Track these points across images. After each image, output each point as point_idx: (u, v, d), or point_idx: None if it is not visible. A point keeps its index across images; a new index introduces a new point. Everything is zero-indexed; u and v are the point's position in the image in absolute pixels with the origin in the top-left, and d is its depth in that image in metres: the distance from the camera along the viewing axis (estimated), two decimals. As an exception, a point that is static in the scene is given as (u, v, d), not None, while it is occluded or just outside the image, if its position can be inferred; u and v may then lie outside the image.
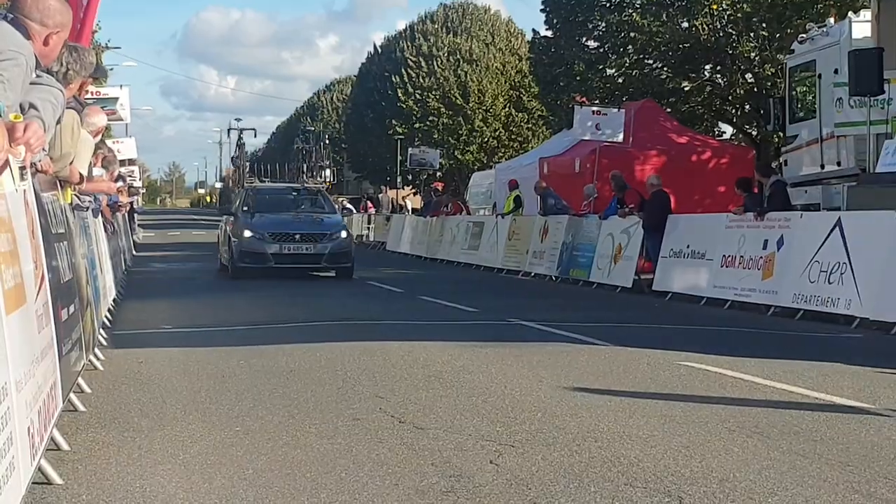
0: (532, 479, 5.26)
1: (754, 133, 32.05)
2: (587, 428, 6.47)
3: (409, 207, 47.21)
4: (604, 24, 31.45)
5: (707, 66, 32.13)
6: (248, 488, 5.09)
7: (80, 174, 7.93)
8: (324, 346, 10.56)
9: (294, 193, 24.26)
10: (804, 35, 19.06)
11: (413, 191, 59.49)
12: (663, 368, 9.08)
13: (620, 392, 7.76)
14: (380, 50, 63.07)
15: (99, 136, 9.88)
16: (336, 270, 21.77)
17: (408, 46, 58.78)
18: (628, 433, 6.31)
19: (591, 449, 5.90)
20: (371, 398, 7.52)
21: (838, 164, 17.72)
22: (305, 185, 26.19)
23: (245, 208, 22.39)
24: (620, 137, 23.06)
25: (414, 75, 57.12)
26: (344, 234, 22.08)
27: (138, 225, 42.57)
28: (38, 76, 5.28)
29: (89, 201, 10.43)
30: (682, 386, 8.16)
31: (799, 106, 19.47)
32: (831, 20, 19.59)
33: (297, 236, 21.31)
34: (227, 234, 22.38)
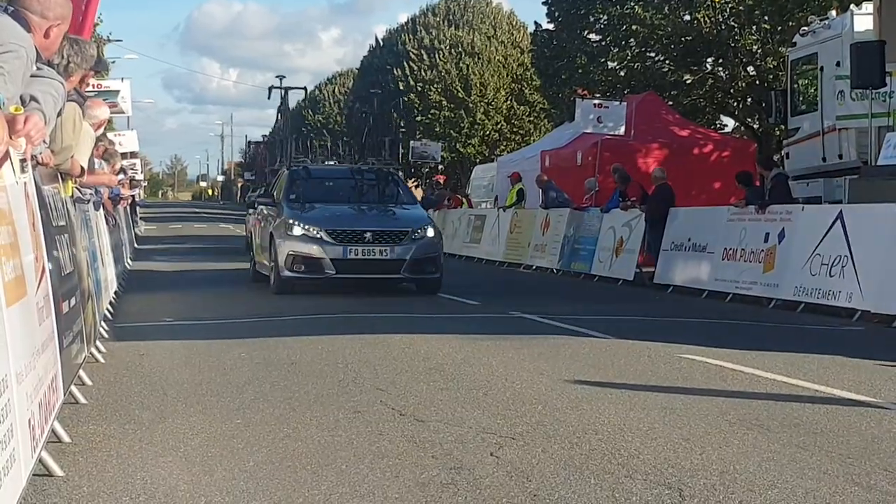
0: (532, 471, 5.27)
1: (756, 126, 32.06)
2: (588, 420, 6.47)
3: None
4: (605, 17, 31.43)
5: (709, 59, 32.11)
6: (248, 480, 5.09)
7: (82, 167, 7.93)
8: (325, 338, 10.57)
9: (357, 177, 18.02)
10: (806, 28, 19.05)
11: (415, 184, 59.53)
12: (664, 361, 9.09)
13: (621, 385, 7.77)
14: (381, 43, 63.01)
15: (101, 129, 9.89)
16: (418, 283, 16.35)
17: (409, 39, 58.70)
18: (629, 425, 6.31)
19: (592, 441, 5.90)
20: (372, 391, 7.53)
21: (840, 156, 17.71)
22: (373, 164, 18.92)
23: (292, 196, 16.91)
24: (622, 130, 23.05)
25: (416, 68, 57.06)
26: (431, 231, 16.34)
27: (140, 218, 42.58)
28: (38, 68, 5.28)
29: (90, 194, 10.44)
30: (682, 378, 8.16)
31: (801, 99, 19.46)
32: (833, 13, 19.55)
33: (368, 235, 15.78)
34: (267, 233, 16.80)
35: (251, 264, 18.61)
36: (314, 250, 15.66)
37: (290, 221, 15.96)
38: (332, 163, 19.50)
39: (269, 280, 16.44)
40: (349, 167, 18.67)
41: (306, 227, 15.82)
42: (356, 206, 16.91)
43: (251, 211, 29.84)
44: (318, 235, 15.70)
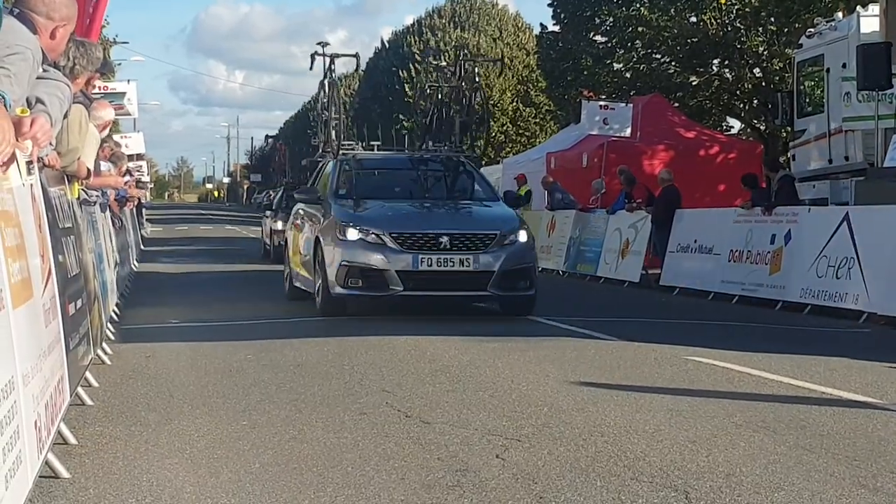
0: (538, 473, 5.26)
1: (762, 128, 31.99)
2: (594, 422, 6.46)
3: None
4: (611, 19, 31.39)
5: (715, 61, 32.07)
6: (254, 482, 5.09)
7: (88, 169, 7.94)
8: (331, 340, 10.57)
9: (421, 167, 14.73)
10: (812, 29, 19.00)
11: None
12: (670, 363, 9.08)
13: (627, 387, 7.76)
14: (387, 45, 63.03)
15: (106, 131, 9.89)
16: (506, 302, 13.00)
17: (415, 41, 58.73)
18: (635, 428, 6.30)
19: (598, 443, 5.90)
20: (378, 392, 7.53)
21: (846, 158, 17.67)
22: (439, 151, 15.26)
23: (341, 191, 13.85)
24: (628, 132, 23.03)
25: (421, 70, 57.04)
26: (524, 235, 12.95)
27: (146, 220, 42.62)
28: (44, 70, 5.29)
29: (97, 196, 10.45)
30: (688, 380, 8.15)
31: (807, 100, 19.41)
32: (839, 14, 19.53)
33: (445, 240, 12.46)
34: (309, 239, 13.78)
35: (286, 278, 15.47)
36: (376, 260, 12.38)
37: (343, 223, 12.68)
38: (376, 144, 16.22)
39: (314, 298, 13.28)
40: (409, 155, 15.43)
41: (364, 229, 12.54)
42: (421, 202, 13.61)
43: (268, 213, 27.88)
44: (381, 241, 12.41)
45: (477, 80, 16.17)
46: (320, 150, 15.92)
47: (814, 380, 8.17)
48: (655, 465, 5.40)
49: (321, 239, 13.04)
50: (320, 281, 12.90)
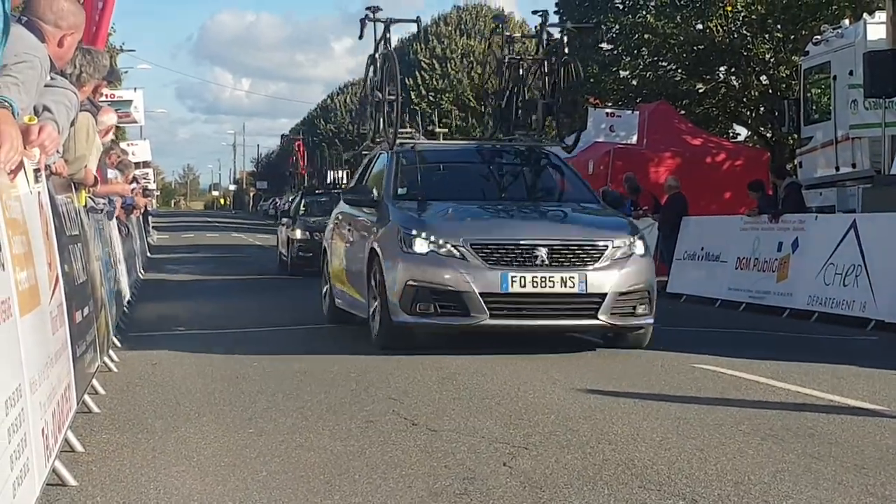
0: (545, 481, 5.25)
1: (769, 135, 31.99)
2: (601, 430, 6.45)
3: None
4: (617, 26, 31.41)
5: (721, 68, 32.09)
6: (261, 490, 5.09)
7: (95, 176, 7.96)
8: (337, 347, 10.56)
9: (497, 160, 12.10)
10: (819, 37, 19.00)
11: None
12: (678, 371, 9.06)
13: (634, 394, 7.74)
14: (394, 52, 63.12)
15: (109, 135, 9.90)
16: (618, 333, 10.43)
17: (421, 48, 58.82)
18: (642, 435, 6.29)
19: (605, 451, 5.88)
20: (384, 400, 7.52)
21: (853, 165, 17.66)
22: (518, 140, 12.69)
23: (400, 191, 11.23)
24: (634, 139, 23.00)
25: (427, 77, 57.16)
26: (640, 246, 10.29)
27: (153, 227, 42.68)
28: (52, 78, 5.30)
29: (104, 203, 10.47)
30: (696, 388, 8.14)
31: (814, 108, 19.41)
32: (846, 22, 19.52)
33: (542, 252, 9.84)
34: (361, 250, 11.14)
35: (324, 295, 13.19)
36: (453, 279, 9.77)
37: (408, 231, 10.11)
38: (441, 132, 13.66)
39: (364, 322, 10.95)
40: (478, 145, 12.86)
41: (436, 239, 9.96)
42: (504, 205, 11.08)
43: (285, 220, 25.27)
44: (458, 254, 9.83)
45: (567, 50, 13.17)
46: (368, 140, 13.34)
47: (821, 387, 8.15)
48: (663, 473, 5.39)
49: (378, 251, 10.41)
50: (377, 304, 10.36)
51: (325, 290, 13.16)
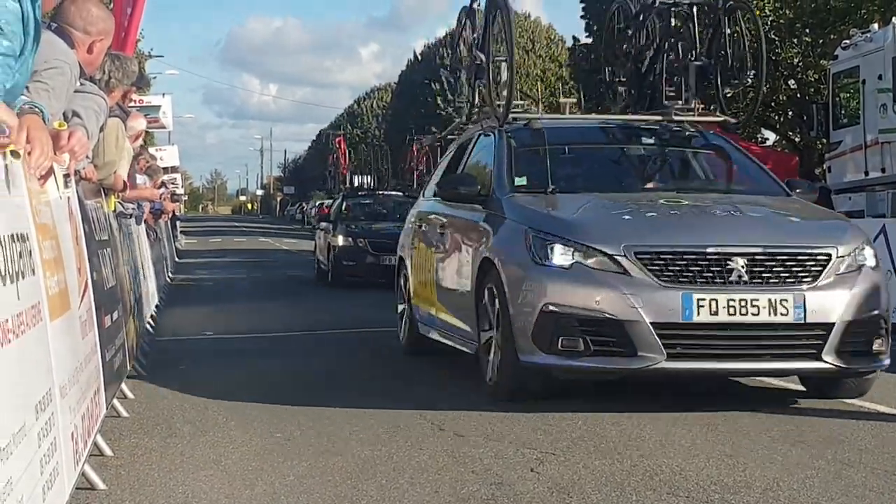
0: (573, 487, 5.24)
1: (797, 139, 31.82)
2: (629, 436, 6.43)
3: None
4: (645, 31, 31.31)
5: (750, 73, 31.91)
6: (289, 494, 5.09)
7: (124, 181, 8.00)
8: (364, 351, 10.57)
9: (643, 141, 9.29)
10: (847, 41, 18.88)
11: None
12: (706, 376, 9.00)
13: (662, 400, 7.71)
14: (420, 57, 63.16)
15: (139, 141, 9.96)
16: (844, 375, 7.38)
17: (448, 54, 58.81)
18: (671, 441, 6.26)
19: (634, 457, 5.86)
20: (411, 405, 7.51)
21: (883, 170, 17.54)
22: (669, 115, 9.74)
23: (519, 182, 8.39)
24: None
25: (453, 82, 57.10)
26: (871, 256, 7.38)
27: (181, 232, 42.87)
28: (81, 84, 5.34)
29: (133, 208, 10.52)
30: (724, 394, 8.09)
31: (842, 112, 19.29)
32: (875, 26, 19.37)
33: (739, 263, 6.96)
34: (469, 261, 8.31)
35: (404, 319, 10.43)
36: (612, 302, 6.98)
37: (542, 235, 7.38)
38: (568, 102, 11.19)
39: (481, 365, 7.99)
40: (612, 121, 9.92)
41: (583, 245, 7.19)
42: (660, 198, 8.06)
43: (323, 225, 22.70)
44: (616, 265, 7.06)
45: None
46: (462, 118, 10.91)
47: (849, 393, 8.08)
48: (692, 480, 5.37)
49: (497, 262, 7.64)
50: (494, 336, 7.72)
51: (404, 312, 10.35)
